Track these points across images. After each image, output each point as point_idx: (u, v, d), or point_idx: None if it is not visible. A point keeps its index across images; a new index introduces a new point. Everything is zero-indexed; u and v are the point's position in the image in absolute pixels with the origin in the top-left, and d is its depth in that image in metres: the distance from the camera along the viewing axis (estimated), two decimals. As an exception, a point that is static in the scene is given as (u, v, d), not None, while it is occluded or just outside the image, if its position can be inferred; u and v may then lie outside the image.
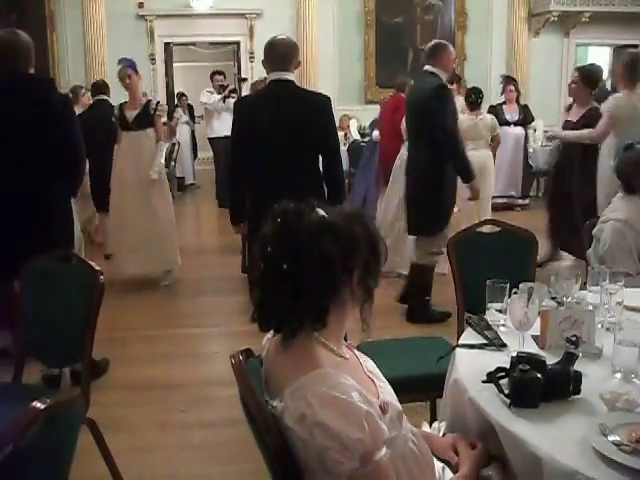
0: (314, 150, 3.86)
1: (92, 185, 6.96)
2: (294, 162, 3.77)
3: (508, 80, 9.87)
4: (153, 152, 5.99)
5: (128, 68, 5.93)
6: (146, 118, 5.95)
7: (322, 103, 3.90)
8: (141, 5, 11.32)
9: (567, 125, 6.15)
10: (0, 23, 10.80)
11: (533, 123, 9.89)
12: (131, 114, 5.92)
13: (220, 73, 10.82)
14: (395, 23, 11.94)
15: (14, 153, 3.75)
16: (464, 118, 7.24)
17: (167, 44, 11.86)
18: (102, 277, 2.86)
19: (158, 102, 6.20)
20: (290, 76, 3.85)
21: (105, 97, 7.19)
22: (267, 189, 3.65)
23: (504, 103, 9.62)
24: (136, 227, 5.97)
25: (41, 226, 3.80)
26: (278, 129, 3.73)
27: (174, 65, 12.46)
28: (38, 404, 1.57)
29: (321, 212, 1.61)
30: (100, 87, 7.42)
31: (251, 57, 11.57)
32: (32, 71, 3.90)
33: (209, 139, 10.45)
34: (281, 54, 3.85)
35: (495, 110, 9.07)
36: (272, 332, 1.70)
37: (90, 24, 11.11)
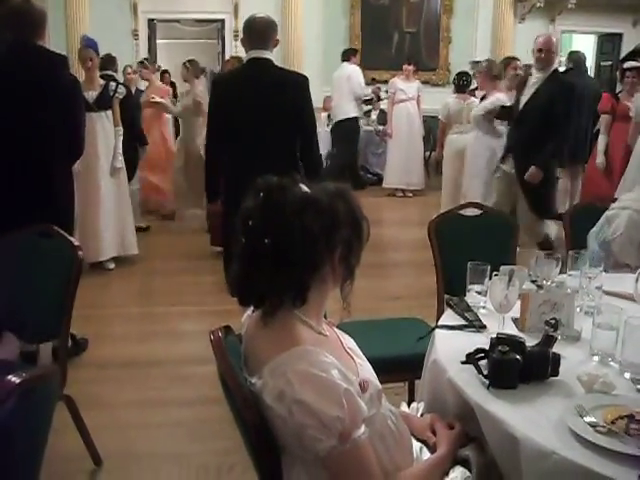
0: (291, 130, 3.82)
1: None
2: (271, 140, 3.74)
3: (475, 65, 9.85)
4: (111, 134, 5.94)
5: (90, 50, 5.82)
6: (106, 100, 5.86)
7: (300, 83, 3.87)
8: (124, -21, 11.17)
9: None
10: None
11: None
12: (91, 95, 5.76)
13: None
14: (381, 5, 11.88)
15: (15, 128, 3.71)
16: (451, 101, 7.25)
17: (151, 20, 11.71)
18: (81, 252, 2.84)
19: (117, 84, 6.11)
20: (268, 55, 3.81)
21: (111, 73, 7.08)
22: (244, 167, 3.62)
23: (476, 89, 9.62)
24: (94, 212, 5.88)
25: (46, 203, 3.76)
26: (255, 107, 3.71)
27: (157, 42, 12.32)
28: (13, 378, 1.56)
29: (304, 188, 1.60)
30: (107, 62, 7.33)
31: (235, 35, 11.43)
32: (42, 43, 3.83)
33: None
34: (259, 32, 3.81)
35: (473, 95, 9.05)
36: (252, 309, 1.70)
37: (71, -2, 10.93)
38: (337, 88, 9.97)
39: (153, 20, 11.78)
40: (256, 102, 3.70)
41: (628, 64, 7.07)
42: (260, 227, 1.55)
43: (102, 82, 5.91)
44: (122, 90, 6.14)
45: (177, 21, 12.93)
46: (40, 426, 1.76)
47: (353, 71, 9.97)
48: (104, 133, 5.90)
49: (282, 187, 1.58)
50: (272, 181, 1.60)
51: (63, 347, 2.84)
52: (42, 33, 3.81)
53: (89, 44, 5.81)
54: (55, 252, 2.94)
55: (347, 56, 10.11)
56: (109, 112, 5.92)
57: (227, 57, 10.10)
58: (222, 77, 4.13)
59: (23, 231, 3.06)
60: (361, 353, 1.79)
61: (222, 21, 11.80)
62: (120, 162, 6.01)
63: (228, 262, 3.78)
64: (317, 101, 11.47)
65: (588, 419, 1.67)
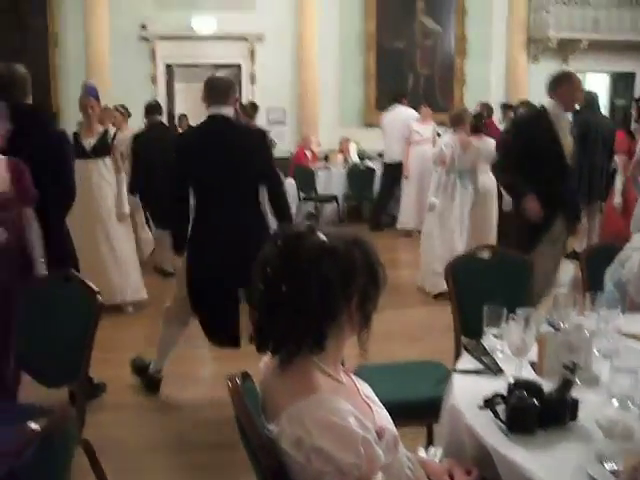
0: (253, 183, 3.97)
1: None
2: (233, 195, 3.89)
3: (507, 108, 9.93)
4: (111, 181, 5.98)
5: (91, 98, 5.85)
6: (104, 147, 5.91)
7: (258, 137, 4.10)
8: (144, 27, 11.40)
9: None
10: (4, 42, 10.95)
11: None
12: (88, 142, 5.83)
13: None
14: (395, 47, 12.04)
15: None
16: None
17: (168, 65, 11.93)
18: (100, 297, 2.87)
19: (116, 131, 6.20)
20: (228, 111, 3.98)
21: (159, 117, 7.20)
22: (208, 221, 3.86)
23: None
24: (97, 258, 5.87)
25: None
26: (217, 163, 3.84)
27: (175, 86, 12.53)
28: (34, 425, 1.57)
29: (321, 236, 1.62)
30: (155, 108, 7.46)
31: (252, 79, 11.63)
32: (29, 101, 4.00)
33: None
34: (219, 90, 3.99)
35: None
36: (269, 355, 1.71)
37: (92, 45, 11.18)
38: (389, 130, 9.95)
39: (171, 65, 12.00)
40: (217, 157, 3.85)
41: None
42: (278, 275, 1.57)
43: (101, 129, 5.97)
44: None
45: (195, 66, 13.16)
46: (60, 471, 1.77)
47: (409, 113, 9.99)
48: (101, 180, 5.91)
49: (299, 235, 1.61)
50: (290, 229, 1.63)
51: (82, 391, 2.85)
52: (27, 93, 3.97)
53: (90, 92, 5.89)
54: (74, 297, 2.98)
55: (399, 98, 10.13)
56: (107, 159, 5.94)
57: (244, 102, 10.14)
58: (184, 134, 4.28)
59: (42, 276, 3.11)
60: (377, 400, 1.79)
61: (239, 66, 11.99)
62: (125, 207, 6.02)
63: (195, 305, 3.93)
64: (333, 143, 11.69)
65: (608, 466, 1.65)
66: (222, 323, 3.92)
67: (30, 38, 11.08)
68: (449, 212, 6.56)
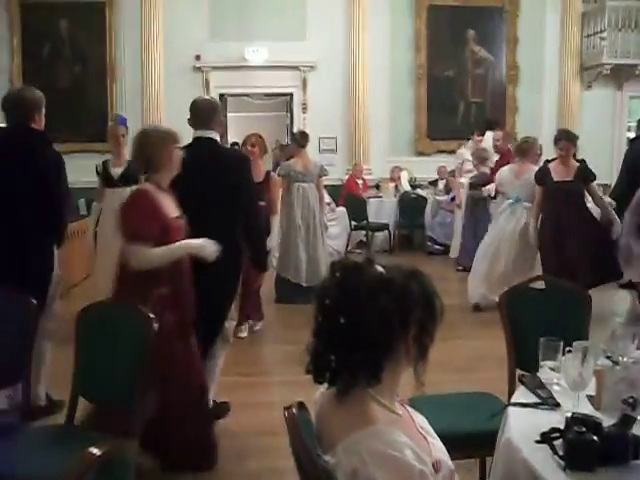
0: (229, 207, 3.95)
1: None
2: (210, 217, 3.83)
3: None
4: None
5: (122, 127, 6.01)
6: (132, 175, 5.92)
7: (238, 162, 4.10)
8: (198, 57, 11.66)
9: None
10: (64, 73, 11.32)
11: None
12: (116, 171, 5.95)
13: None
14: (446, 76, 12.04)
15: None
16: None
17: (222, 95, 12.14)
18: (156, 325, 2.92)
19: None
20: (212, 134, 4.01)
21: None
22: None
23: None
24: None
25: (17, 267, 3.95)
26: (195, 185, 3.80)
27: (228, 115, 12.74)
28: (94, 450, 1.61)
29: (380, 268, 1.63)
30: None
31: (304, 108, 11.76)
32: (36, 125, 4.13)
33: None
34: (203, 113, 4.02)
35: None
36: (325, 385, 1.71)
37: (148, 75, 11.49)
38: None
39: (224, 95, 12.21)
40: (198, 180, 3.81)
41: None
42: (336, 306, 1.59)
43: (128, 157, 6.10)
44: None
45: (247, 95, 13.37)
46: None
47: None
48: None
49: (358, 267, 1.62)
50: (348, 261, 1.65)
51: (138, 420, 2.88)
52: (31, 116, 4.11)
53: (121, 122, 6.04)
54: (130, 323, 3.03)
55: (492, 125, 10.06)
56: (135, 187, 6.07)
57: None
58: None
59: (103, 301, 3.18)
60: (433, 432, 1.78)
61: (291, 95, 12.14)
62: None
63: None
64: (384, 171, 11.71)
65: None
66: None
67: (89, 68, 11.43)
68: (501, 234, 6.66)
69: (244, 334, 6.12)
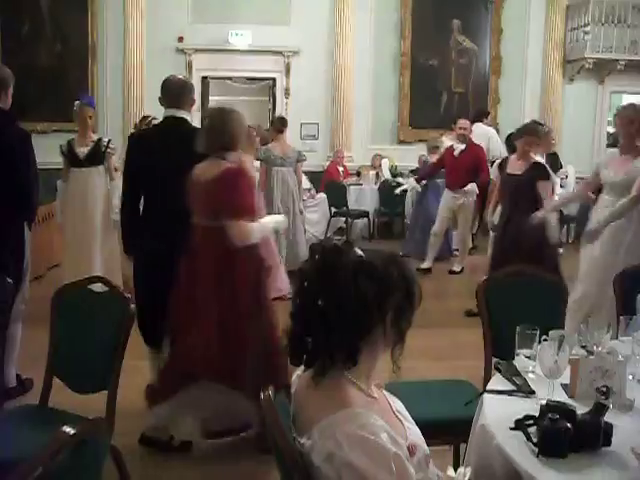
0: None
1: None
2: (180, 197, 3.69)
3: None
4: (104, 189, 6.08)
5: (90, 108, 5.99)
6: (98, 155, 6.00)
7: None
8: (181, 39, 11.55)
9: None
10: (45, 52, 11.16)
11: (563, 170, 9.78)
12: (82, 150, 5.95)
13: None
14: (430, 65, 12.03)
15: None
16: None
17: (204, 78, 12.05)
18: (133, 305, 2.90)
19: (109, 140, 6.26)
20: (183, 114, 3.93)
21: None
22: (154, 224, 3.81)
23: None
24: (89, 263, 5.93)
25: None
26: (165, 165, 3.76)
27: (210, 98, 12.64)
28: (67, 429, 1.59)
29: (359, 252, 1.63)
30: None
31: (286, 93, 11.70)
32: (1, 104, 4.06)
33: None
34: (174, 92, 3.94)
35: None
36: (302, 368, 1.71)
37: (130, 56, 11.34)
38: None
39: (206, 78, 12.11)
40: (166, 161, 3.76)
41: None
42: (314, 289, 1.59)
43: (95, 138, 6.07)
44: (114, 146, 6.28)
45: (229, 79, 13.27)
46: (91, 477, 1.79)
47: (493, 132, 10.04)
48: (95, 188, 6.01)
49: (338, 250, 1.62)
50: (328, 244, 1.64)
51: (112, 399, 2.87)
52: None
53: (89, 102, 6.01)
54: (107, 304, 3.01)
55: (482, 116, 10.16)
56: (101, 167, 6.04)
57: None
58: (138, 134, 4.21)
59: (79, 282, 3.15)
60: (409, 416, 1.78)
61: (273, 79, 12.08)
62: (116, 215, 6.07)
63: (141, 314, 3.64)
64: (365, 159, 11.70)
65: (642, 493, 1.63)
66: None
67: (70, 48, 11.28)
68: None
69: None
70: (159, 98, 4.02)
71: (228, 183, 3.44)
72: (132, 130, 7.23)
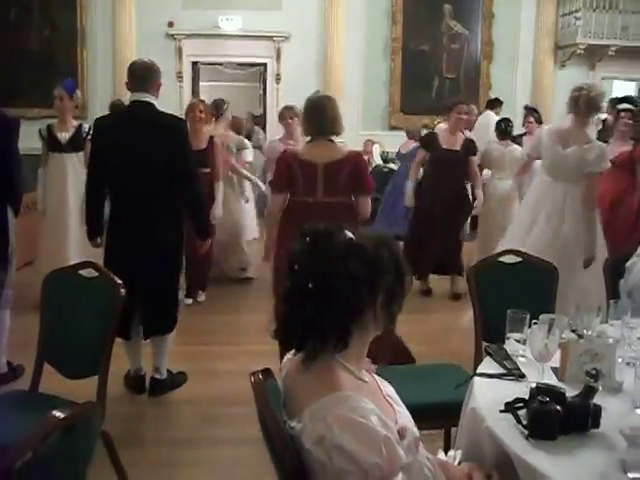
0: (166, 173, 3.89)
1: None
2: (146, 183, 3.83)
3: (529, 111, 9.84)
4: (82, 175, 5.95)
5: (61, 89, 5.83)
6: (79, 141, 5.90)
7: (175, 126, 3.99)
8: (171, 24, 11.47)
9: None
10: (33, 37, 11.06)
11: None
12: (63, 135, 5.85)
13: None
14: (421, 50, 11.99)
15: None
16: (493, 147, 7.23)
17: (195, 63, 11.99)
18: (123, 290, 2.89)
19: (90, 127, 6.09)
20: (149, 98, 3.91)
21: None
22: (122, 210, 3.86)
23: (524, 134, 9.59)
24: (66, 249, 5.84)
25: None
26: (130, 150, 3.78)
27: (201, 84, 12.59)
28: (58, 413, 1.59)
29: (349, 234, 1.62)
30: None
31: (277, 79, 11.65)
32: None
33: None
34: (140, 76, 3.92)
35: (516, 141, 9.03)
36: (292, 352, 1.71)
37: (120, 41, 11.29)
38: (480, 135, 9.95)
39: (197, 63, 12.05)
40: (131, 145, 3.78)
41: None
42: (305, 271, 1.58)
43: (75, 124, 5.96)
44: None
45: (220, 64, 13.21)
46: (80, 460, 1.79)
47: (493, 121, 10.01)
48: (75, 174, 5.90)
49: (328, 233, 1.61)
50: (318, 227, 1.63)
51: (103, 384, 2.87)
52: None
53: (67, 85, 5.86)
54: (97, 288, 3.00)
55: (493, 105, 10.13)
56: (81, 154, 5.91)
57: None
58: (103, 119, 4.22)
59: (69, 267, 3.14)
60: (399, 400, 1.78)
61: (264, 65, 12.02)
62: None
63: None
64: (356, 144, 11.66)
65: (632, 475, 1.64)
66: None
67: (59, 34, 11.19)
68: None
69: (189, 301, 6.16)
70: (125, 82, 4.00)
71: (360, 165, 4.04)
72: None
